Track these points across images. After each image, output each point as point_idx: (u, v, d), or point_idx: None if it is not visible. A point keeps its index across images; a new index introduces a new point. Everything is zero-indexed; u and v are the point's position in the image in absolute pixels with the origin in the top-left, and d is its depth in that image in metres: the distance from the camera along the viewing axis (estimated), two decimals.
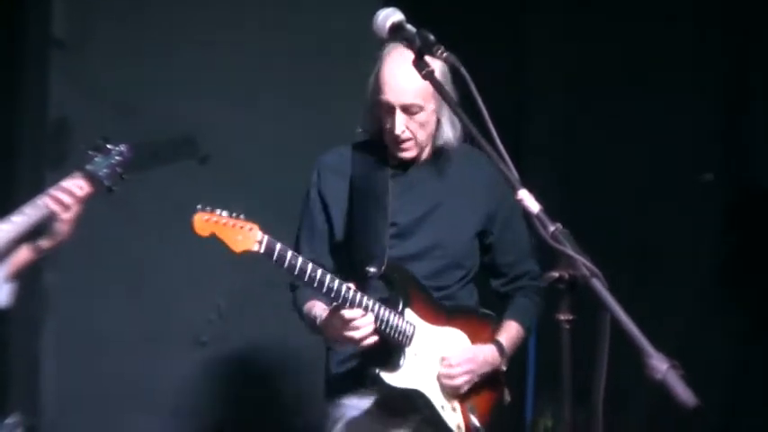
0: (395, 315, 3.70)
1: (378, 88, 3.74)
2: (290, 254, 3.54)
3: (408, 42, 3.08)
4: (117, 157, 3.77)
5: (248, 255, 3.50)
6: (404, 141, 3.78)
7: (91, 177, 3.70)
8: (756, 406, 5.36)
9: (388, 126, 3.77)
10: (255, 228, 3.50)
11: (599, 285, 2.62)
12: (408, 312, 3.75)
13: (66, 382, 5.04)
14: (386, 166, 3.87)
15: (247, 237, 3.49)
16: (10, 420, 3.88)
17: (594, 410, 2.66)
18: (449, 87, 3.56)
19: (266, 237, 3.51)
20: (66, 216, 3.62)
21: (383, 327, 3.66)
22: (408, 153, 3.82)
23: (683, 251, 5.49)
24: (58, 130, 5.00)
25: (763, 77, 5.52)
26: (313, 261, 3.64)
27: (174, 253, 5.08)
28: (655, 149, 5.49)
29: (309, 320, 3.81)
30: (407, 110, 3.73)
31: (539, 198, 2.76)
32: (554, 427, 5.11)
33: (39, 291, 4.94)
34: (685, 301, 5.46)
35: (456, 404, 3.82)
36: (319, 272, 3.57)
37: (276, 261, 3.53)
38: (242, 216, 3.52)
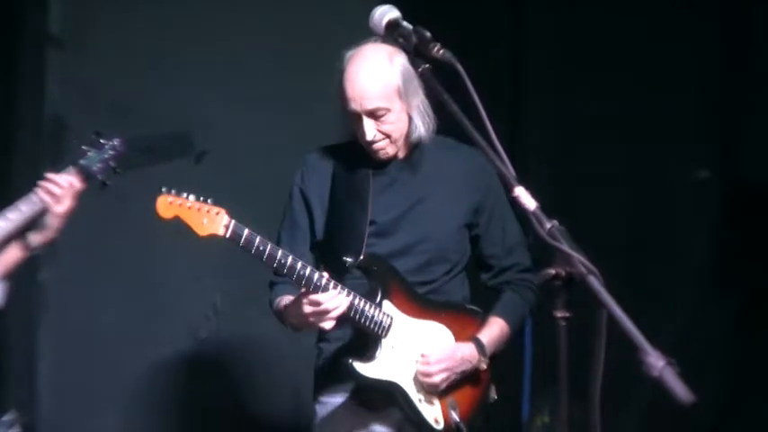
0: (371, 306, 3.70)
1: (342, 98, 3.74)
2: (257, 239, 3.54)
3: (404, 39, 3.08)
4: (110, 152, 3.77)
5: (214, 239, 3.49)
6: (377, 145, 3.78)
7: (84, 172, 3.69)
8: (753, 402, 5.36)
9: (358, 132, 3.77)
10: (222, 212, 3.51)
11: (596, 282, 2.62)
12: (386, 304, 3.74)
13: (63, 380, 5.04)
14: (367, 164, 3.86)
15: (213, 220, 3.50)
16: (6, 418, 3.88)
17: (591, 407, 2.67)
18: (415, 83, 3.64)
19: (233, 221, 3.52)
20: (59, 210, 3.61)
21: (358, 317, 3.67)
22: (384, 154, 3.82)
23: (679, 248, 5.49)
24: (54, 128, 5.00)
25: (759, 74, 5.51)
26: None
27: (170, 250, 5.08)
28: (650, 146, 5.48)
29: (278, 310, 3.82)
30: (373, 114, 3.72)
31: (534, 195, 2.76)
32: (551, 424, 5.11)
33: (35, 288, 4.94)
34: (681, 299, 5.46)
35: (434, 399, 3.81)
36: (290, 258, 3.57)
37: (243, 246, 3.53)
38: (210, 200, 3.52)
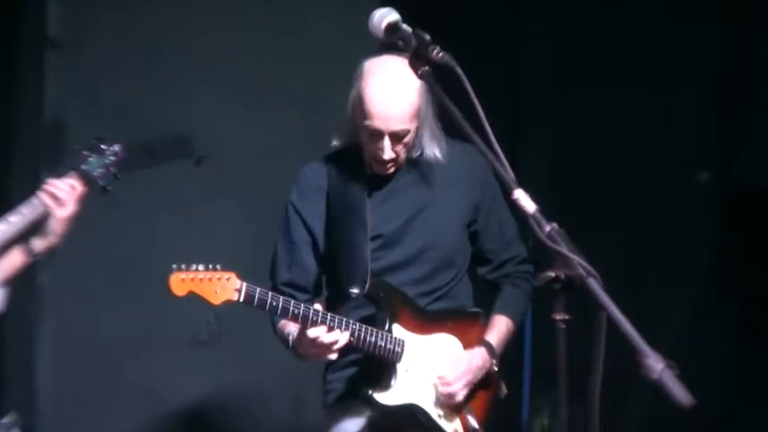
0: (382, 335, 3.69)
1: (364, 113, 3.68)
2: (270, 296, 3.56)
3: (404, 42, 3.08)
4: (111, 158, 3.77)
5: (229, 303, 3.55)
6: (390, 164, 3.77)
7: (85, 177, 3.69)
8: (753, 405, 5.36)
9: (372, 148, 3.73)
10: (233, 276, 3.53)
11: (595, 285, 2.62)
12: (396, 328, 3.74)
13: (63, 382, 5.04)
14: (362, 176, 3.84)
15: (225, 287, 3.52)
16: (6, 420, 3.88)
17: (591, 410, 2.67)
18: (429, 100, 3.63)
19: (244, 284, 3.54)
20: (61, 214, 3.61)
21: (370, 348, 3.67)
22: (389, 171, 3.81)
23: (679, 251, 5.49)
24: (54, 130, 5.00)
25: (760, 76, 5.51)
26: (292, 284, 3.76)
27: (170, 253, 5.06)
28: (651, 148, 5.49)
29: (282, 337, 3.81)
30: (396, 135, 3.70)
31: (533, 197, 2.76)
32: (550, 426, 5.11)
33: (35, 291, 4.94)
34: (681, 301, 5.46)
35: (454, 412, 3.81)
36: (302, 307, 3.58)
37: (257, 306, 3.55)
38: (218, 267, 3.53)
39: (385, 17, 3.11)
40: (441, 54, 3.01)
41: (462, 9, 5.44)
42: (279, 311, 3.56)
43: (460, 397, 3.78)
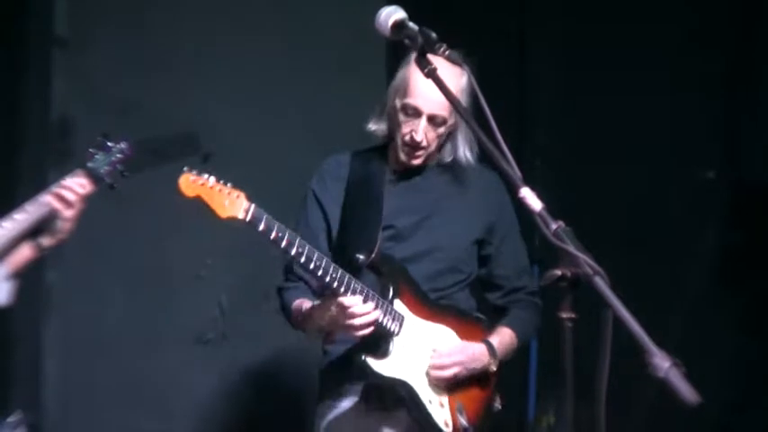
0: (384, 303, 3.68)
1: (406, 91, 3.73)
2: (276, 225, 3.52)
3: (411, 40, 3.08)
4: (118, 155, 3.77)
5: (234, 222, 3.47)
6: (419, 147, 3.79)
7: (92, 175, 3.70)
8: (759, 402, 5.36)
9: (405, 130, 3.77)
10: (243, 195, 3.49)
11: (601, 283, 2.62)
12: (397, 303, 3.74)
13: (69, 381, 5.04)
14: (384, 173, 3.88)
15: (234, 203, 3.48)
16: (12, 419, 3.88)
17: (597, 408, 2.66)
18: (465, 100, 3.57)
19: (253, 205, 3.50)
20: (69, 214, 3.62)
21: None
22: (417, 160, 3.84)
23: (683, 250, 5.49)
24: (60, 128, 5.00)
25: (764, 75, 5.51)
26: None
27: (176, 250, 5.09)
28: (655, 148, 5.49)
29: (298, 315, 3.79)
30: (433, 119, 3.74)
31: (539, 196, 2.76)
32: (556, 424, 5.11)
33: (41, 289, 4.94)
34: (687, 299, 5.46)
35: (444, 400, 3.79)
36: (307, 247, 3.55)
37: (263, 231, 3.49)
38: (230, 184, 3.50)
39: (391, 15, 3.12)
40: (448, 52, 3.02)
41: (468, 8, 5.44)
42: (284, 243, 3.50)
43: (448, 373, 3.75)
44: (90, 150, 3.75)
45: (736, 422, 5.39)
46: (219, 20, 5.25)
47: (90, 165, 3.72)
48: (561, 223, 2.71)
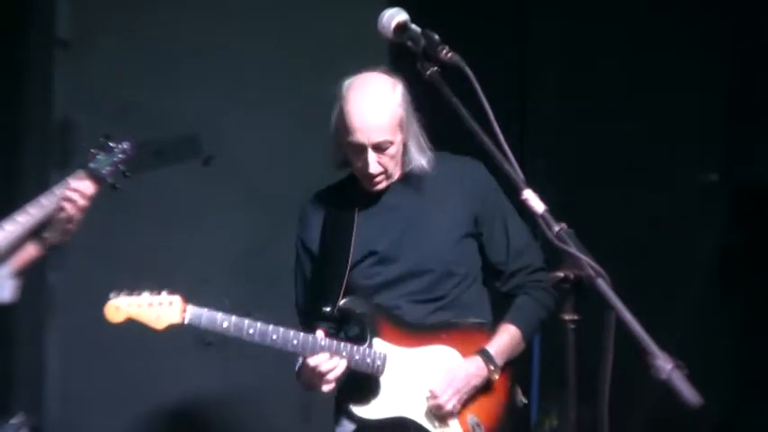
0: (361, 349, 3.67)
1: (345, 129, 3.68)
2: (219, 316, 3.55)
3: (413, 42, 3.08)
4: (120, 155, 3.78)
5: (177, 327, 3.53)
6: (377, 178, 3.76)
7: (94, 175, 3.71)
8: (760, 404, 5.36)
9: (357, 164, 3.73)
10: (177, 299, 3.53)
11: (604, 285, 2.62)
12: (377, 342, 3.71)
13: (71, 382, 5.05)
14: (356, 199, 3.83)
15: (168, 311, 3.52)
16: (15, 420, 3.88)
17: (600, 409, 2.67)
18: (412, 111, 3.65)
19: (189, 306, 3.53)
20: (75, 215, 3.63)
21: (350, 364, 3.65)
22: (381, 185, 3.79)
23: (684, 251, 5.49)
24: (62, 129, 5.01)
25: (766, 76, 5.51)
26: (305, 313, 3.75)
27: (179, 252, 5.09)
28: (656, 149, 5.48)
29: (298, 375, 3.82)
30: (378, 147, 3.69)
31: (542, 198, 2.76)
32: (559, 426, 5.11)
33: (44, 291, 4.95)
34: (688, 300, 5.46)
35: (453, 422, 3.76)
36: (259, 324, 3.58)
37: (205, 328, 3.55)
38: (164, 292, 3.52)
39: (394, 17, 3.12)
40: (450, 54, 3.02)
41: (469, 11, 5.44)
42: (232, 330, 3.54)
43: (450, 407, 3.72)
44: (92, 151, 3.76)
45: (736, 423, 5.39)
46: (220, 22, 5.26)
47: (92, 165, 3.73)
48: (564, 225, 2.71)
